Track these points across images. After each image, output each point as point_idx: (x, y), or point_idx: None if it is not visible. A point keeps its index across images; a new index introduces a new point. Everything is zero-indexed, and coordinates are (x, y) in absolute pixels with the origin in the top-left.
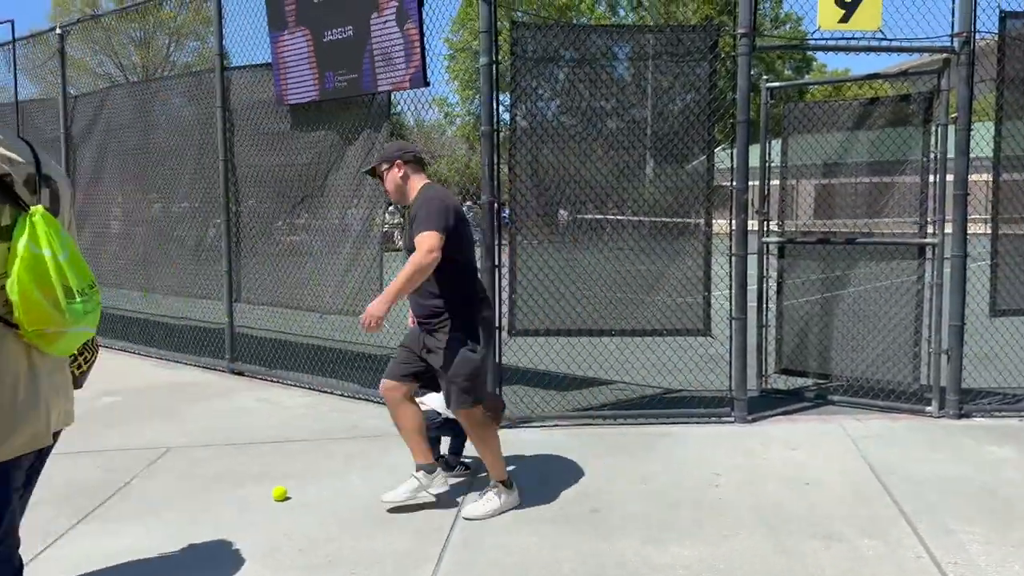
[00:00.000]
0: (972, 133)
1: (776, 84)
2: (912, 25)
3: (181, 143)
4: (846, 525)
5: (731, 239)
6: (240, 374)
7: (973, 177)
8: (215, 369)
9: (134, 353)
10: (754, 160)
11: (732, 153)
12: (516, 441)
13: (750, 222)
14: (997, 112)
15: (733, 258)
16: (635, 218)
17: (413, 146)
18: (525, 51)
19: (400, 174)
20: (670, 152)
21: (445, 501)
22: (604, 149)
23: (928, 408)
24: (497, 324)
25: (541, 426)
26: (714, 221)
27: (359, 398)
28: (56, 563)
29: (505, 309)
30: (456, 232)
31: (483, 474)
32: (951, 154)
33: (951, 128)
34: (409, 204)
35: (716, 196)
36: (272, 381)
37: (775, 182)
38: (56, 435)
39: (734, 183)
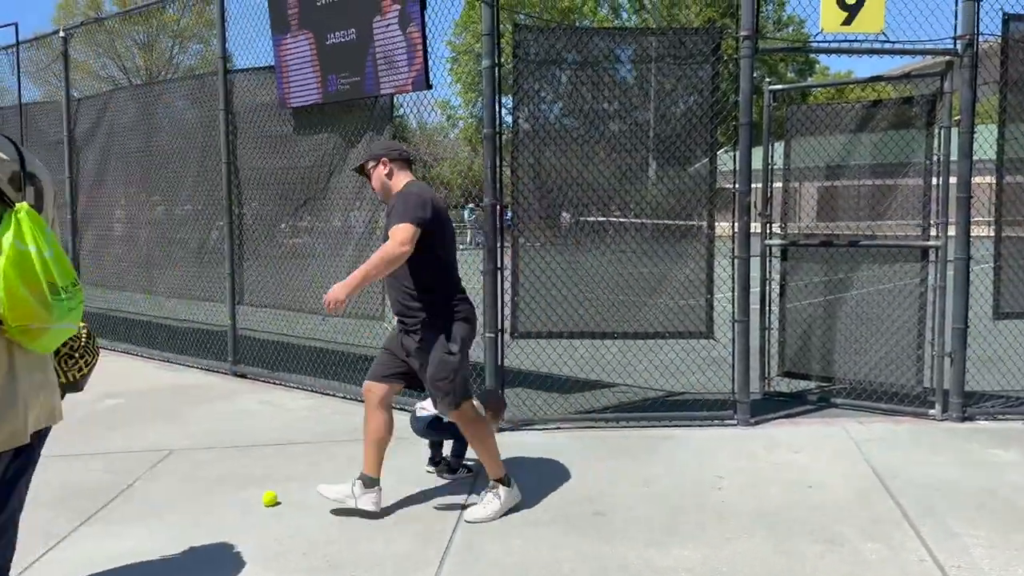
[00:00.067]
0: (975, 136)
1: (779, 87)
2: (915, 27)
3: (184, 146)
4: (849, 528)
5: (734, 241)
6: (243, 376)
7: (976, 180)
8: (218, 371)
9: (137, 355)
10: (757, 162)
11: (735, 156)
12: (518, 443)
13: (753, 224)
14: (1000, 114)
15: (736, 261)
16: (638, 220)
17: (401, 145)
18: (527, 54)
19: (386, 171)
20: (673, 154)
21: (447, 503)
22: (606, 152)
23: (931, 411)
24: (499, 326)
25: (543, 428)
26: (717, 224)
27: (361, 400)
28: (58, 565)
29: (507, 311)
30: (435, 227)
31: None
32: (954, 156)
33: (954, 131)
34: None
35: (719, 199)
36: (274, 383)
37: (778, 184)
38: (42, 434)
39: (737, 185)
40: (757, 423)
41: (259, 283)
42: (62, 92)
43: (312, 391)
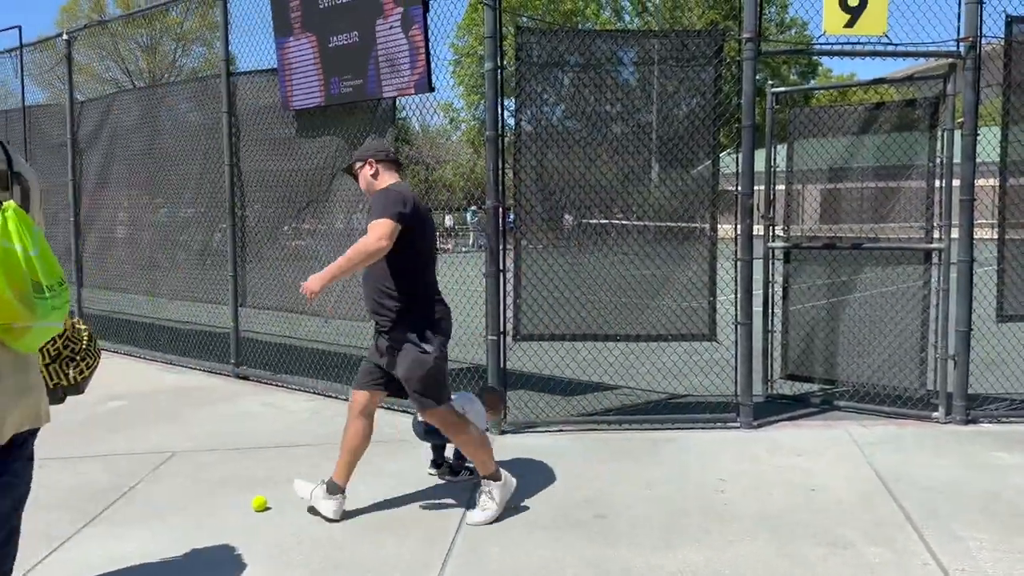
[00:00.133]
0: (978, 138)
1: (781, 89)
2: (918, 30)
3: (187, 148)
4: (852, 531)
5: (736, 244)
6: (245, 378)
7: (980, 182)
8: (220, 373)
9: (139, 357)
10: (759, 165)
11: (737, 158)
12: (521, 446)
13: (756, 227)
14: (1004, 117)
15: (739, 263)
16: (640, 223)
17: (388, 147)
18: (530, 56)
19: (372, 171)
20: (675, 157)
21: (449, 505)
22: (609, 154)
23: (935, 414)
24: (502, 329)
25: (546, 431)
26: (719, 226)
27: None
28: (62, 566)
29: (510, 314)
30: (414, 224)
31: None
32: (957, 159)
33: (957, 133)
34: None
35: (721, 201)
36: (277, 385)
37: (780, 187)
38: (28, 437)
39: (739, 188)
40: (760, 426)
41: (262, 285)
42: (65, 95)
43: (314, 393)
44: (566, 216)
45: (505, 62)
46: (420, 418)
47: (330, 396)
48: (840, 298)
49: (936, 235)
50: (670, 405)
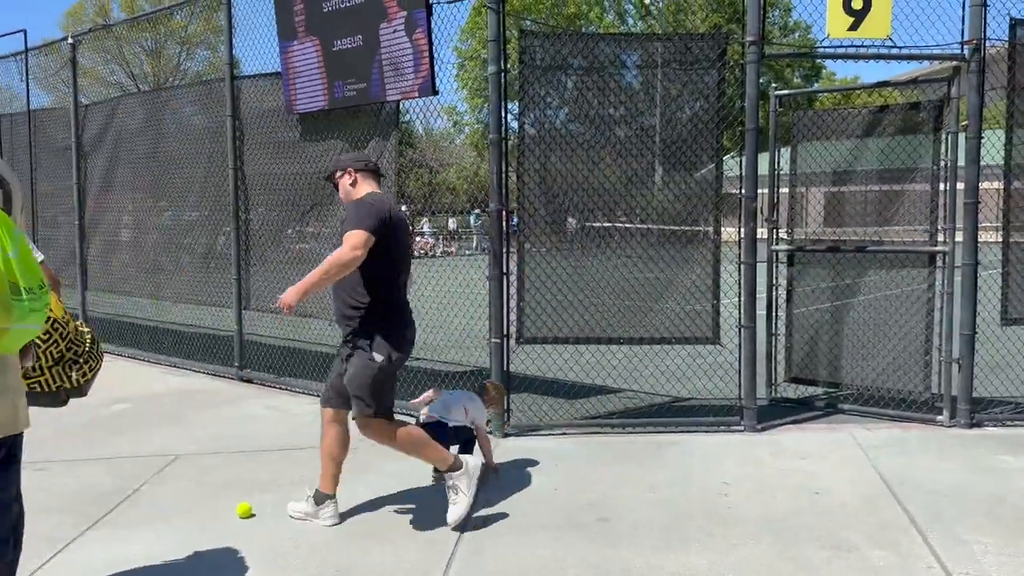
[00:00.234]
0: (983, 141)
1: (785, 92)
2: (922, 32)
3: (191, 151)
4: (856, 535)
5: (740, 247)
6: (249, 381)
7: (984, 185)
8: (224, 376)
9: (143, 360)
10: (763, 168)
11: (741, 161)
12: (524, 449)
13: (759, 230)
14: (1008, 120)
15: (742, 266)
16: (644, 226)
17: (368, 157)
18: (534, 59)
19: (350, 181)
20: (679, 160)
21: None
22: (613, 157)
23: (939, 417)
24: (505, 332)
25: (549, 434)
26: (723, 229)
27: None
28: (65, 569)
29: (513, 317)
30: (388, 234)
31: (491, 481)
32: (961, 162)
33: (961, 136)
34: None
35: (725, 204)
36: (280, 388)
37: (784, 190)
38: (8, 442)
39: (743, 191)
40: (764, 429)
41: (265, 288)
42: (70, 98)
43: (318, 396)
44: (569, 219)
45: (509, 65)
46: (422, 419)
47: None
48: (844, 301)
49: (940, 238)
50: (673, 408)
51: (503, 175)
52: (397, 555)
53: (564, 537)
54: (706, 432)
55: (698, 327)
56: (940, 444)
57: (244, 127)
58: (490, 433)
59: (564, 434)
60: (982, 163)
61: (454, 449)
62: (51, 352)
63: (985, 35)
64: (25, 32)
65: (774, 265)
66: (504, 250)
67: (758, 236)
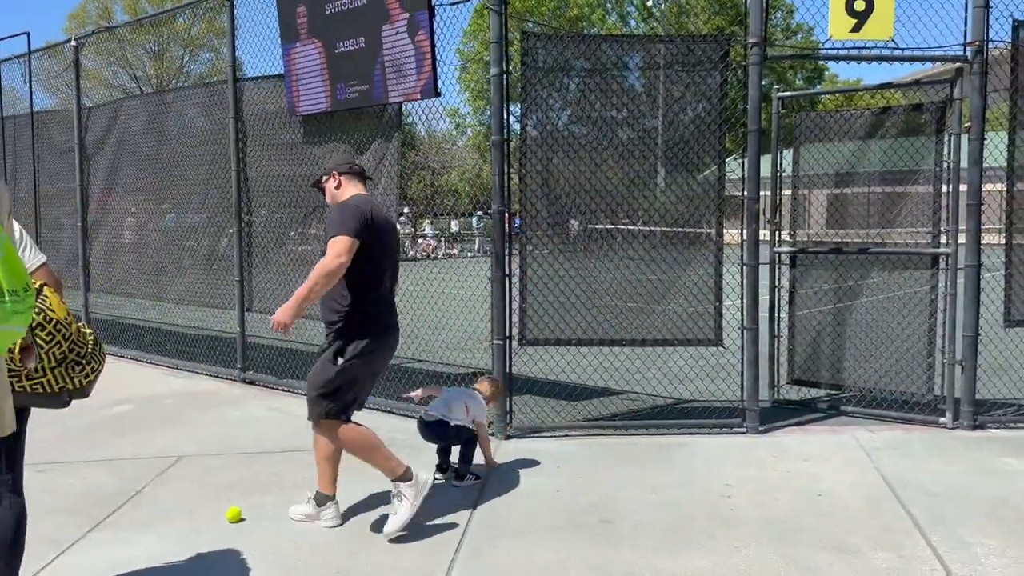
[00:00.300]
0: (985, 143)
1: (787, 94)
2: (924, 34)
3: (194, 153)
4: (859, 537)
5: (743, 249)
6: (251, 383)
7: (987, 187)
8: (226, 378)
9: (146, 362)
10: (766, 170)
11: (743, 163)
12: (526, 450)
13: (762, 232)
14: (1011, 121)
15: (745, 268)
16: (646, 228)
17: (354, 160)
18: (536, 61)
19: (335, 184)
20: (681, 162)
21: (454, 509)
22: (615, 159)
23: (942, 419)
24: (507, 333)
25: (551, 436)
26: (726, 231)
27: (368, 408)
28: (68, 570)
29: (515, 318)
30: (373, 237)
31: (491, 482)
32: (964, 163)
33: (964, 137)
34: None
35: (727, 206)
36: (283, 390)
37: (787, 192)
38: None
39: (745, 192)
40: (766, 431)
41: (268, 290)
42: (73, 100)
43: None
44: (572, 221)
45: (511, 67)
46: (425, 420)
47: None
48: (847, 303)
49: (943, 240)
50: (676, 410)
51: (505, 177)
52: (398, 556)
53: (566, 538)
54: (709, 434)
55: (700, 329)
56: (943, 446)
57: (247, 129)
58: (492, 435)
59: (566, 436)
60: (985, 165)
61: (456, 451)
62: (54, 353)
63: (988, 36)
64: (28, 34)
65: (776, 267)
66: (506, 252)
67: (760, 238)
